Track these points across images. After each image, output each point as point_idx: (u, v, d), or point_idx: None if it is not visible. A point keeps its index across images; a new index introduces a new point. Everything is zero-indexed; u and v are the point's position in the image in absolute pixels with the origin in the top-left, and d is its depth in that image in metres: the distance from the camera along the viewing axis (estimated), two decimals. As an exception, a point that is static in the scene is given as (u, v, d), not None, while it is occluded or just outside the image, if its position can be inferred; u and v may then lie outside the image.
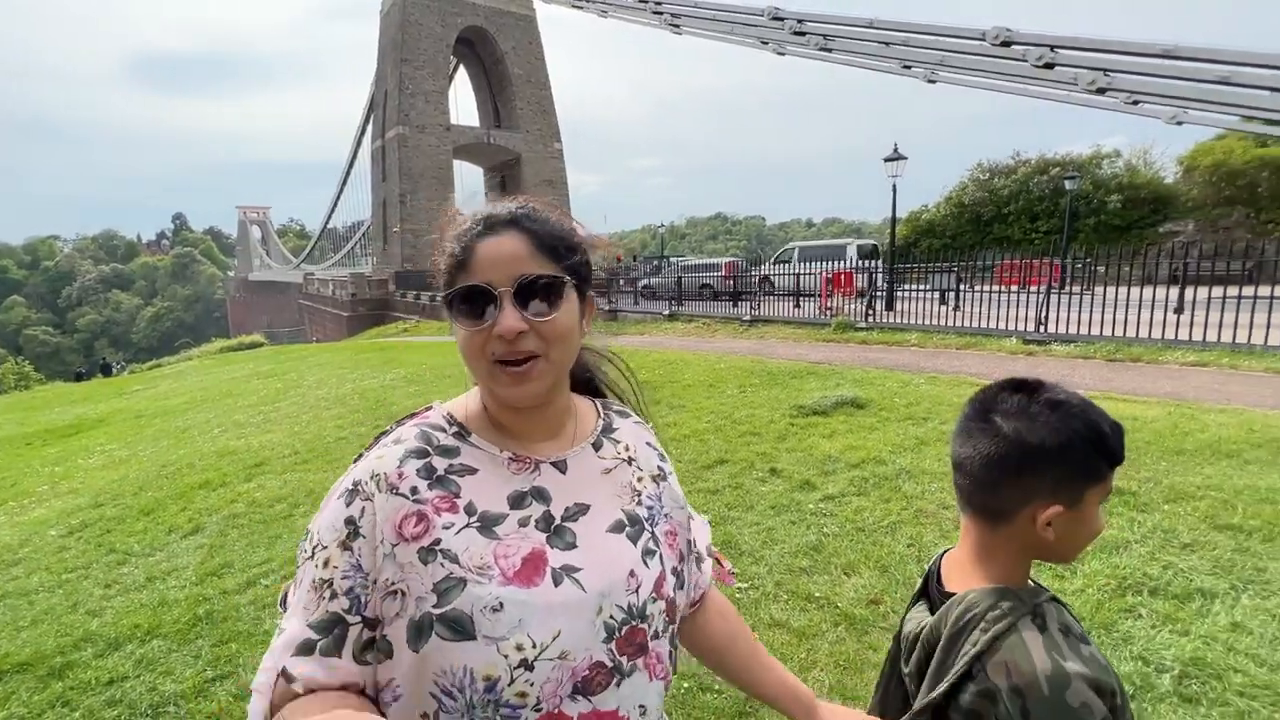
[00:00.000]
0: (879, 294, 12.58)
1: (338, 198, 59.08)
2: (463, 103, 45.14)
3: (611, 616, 0.66)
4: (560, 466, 0.72)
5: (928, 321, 10.34)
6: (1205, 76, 11.42)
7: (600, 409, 0.83)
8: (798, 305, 13.52)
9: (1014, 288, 10.73)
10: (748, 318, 12.69)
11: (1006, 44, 13.71)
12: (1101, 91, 12.43)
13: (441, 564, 0.61)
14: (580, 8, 25.90)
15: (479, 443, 0.70)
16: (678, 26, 21.17)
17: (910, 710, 0.80)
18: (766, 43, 19.85)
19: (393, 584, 0.60)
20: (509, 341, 0.64)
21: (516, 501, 0.68)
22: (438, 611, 0.60)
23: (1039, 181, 22.94)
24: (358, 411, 7.50)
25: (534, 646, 0.61)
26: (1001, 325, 9.12)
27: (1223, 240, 17.28)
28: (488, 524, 0.65)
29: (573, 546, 0.67)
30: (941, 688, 0.75)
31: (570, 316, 0.69)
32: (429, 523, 0.63)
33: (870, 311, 11.35)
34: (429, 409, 0.75)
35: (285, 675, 0.58)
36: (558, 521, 0.68)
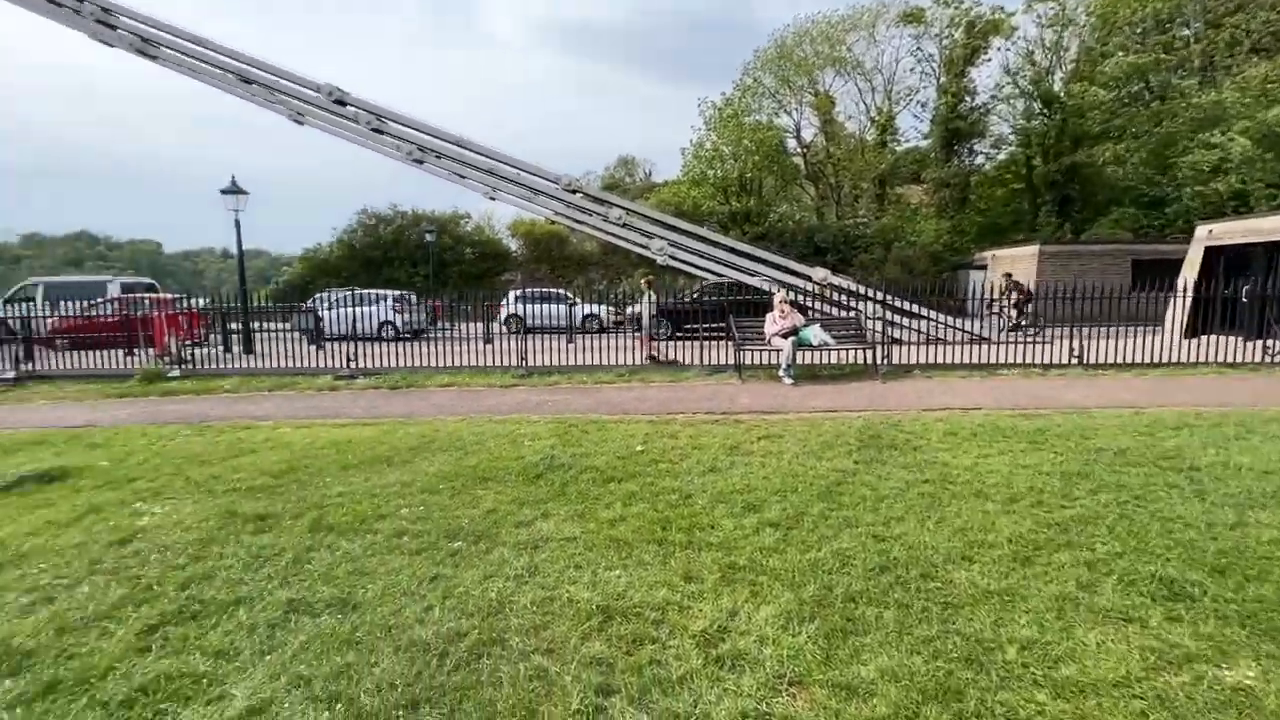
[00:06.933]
0: (224, 334, 11.47)
1: None
2: None
3: None
4: None
5: (293, 364, 9.88)
6: (501, 171, 15.47)
7: None
8: (128, 351, 10.93)
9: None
10: (11, 376, 9.35)
11: (341, 102, 15.00)
12: (420, 162, 15.08)
13: None
14: None
15: None
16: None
17: None
18: (78, 16, 15.60)
19: None
20: None
21: None
22: None
23: (414, 232, 26.16)
24: None
25: None
26: (327, 364, 9.58)
27: (536, 286, 23.76)
28: None
29: None
30: None
31: None
32: None
33: (185, 361, 10.04)
34: None
35: None
36: None
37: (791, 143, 30.75)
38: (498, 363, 9.48)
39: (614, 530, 3.46)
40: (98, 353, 10.87)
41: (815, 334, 8.09)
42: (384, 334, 12.55)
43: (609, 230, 14.62)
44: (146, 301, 12.43)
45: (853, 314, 11.31)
